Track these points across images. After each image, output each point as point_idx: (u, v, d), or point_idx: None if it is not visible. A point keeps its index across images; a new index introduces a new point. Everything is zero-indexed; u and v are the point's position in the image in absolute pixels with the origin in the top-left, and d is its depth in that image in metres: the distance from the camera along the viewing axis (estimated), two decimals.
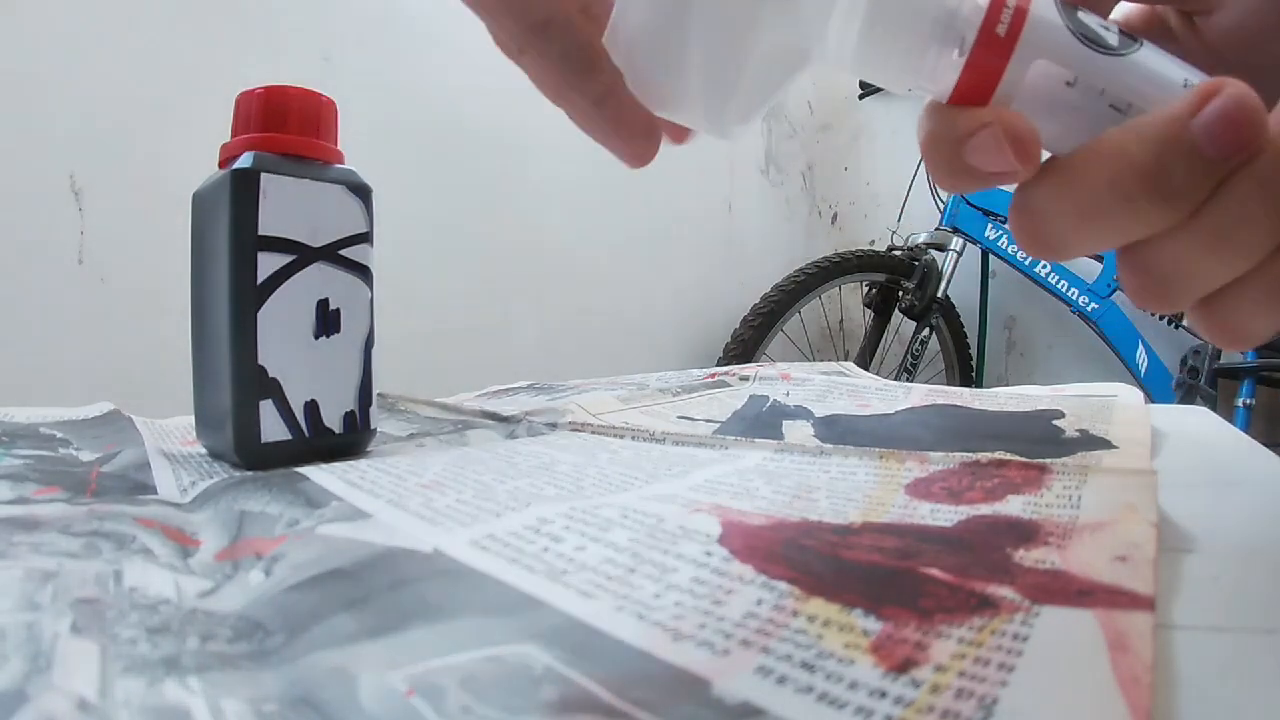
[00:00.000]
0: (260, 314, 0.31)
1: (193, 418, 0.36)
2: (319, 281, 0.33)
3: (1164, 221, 0.20)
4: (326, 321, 0.33)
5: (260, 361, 0.31)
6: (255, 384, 0.31)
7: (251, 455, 0.32)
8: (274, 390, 0.32)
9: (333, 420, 0.34)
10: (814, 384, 0.49)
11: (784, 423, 0.40)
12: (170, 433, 0.41)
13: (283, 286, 0.32)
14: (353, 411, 0.34)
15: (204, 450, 0.35)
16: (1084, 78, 0.20)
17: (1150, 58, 0.20)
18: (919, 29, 0.20)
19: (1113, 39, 0.20)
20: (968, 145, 0.21)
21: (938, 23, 0.20)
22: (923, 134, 0.22)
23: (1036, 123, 0.21)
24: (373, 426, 0.35)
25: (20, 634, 0.15)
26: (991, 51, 0.20)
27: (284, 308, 0.32)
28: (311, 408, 0.33)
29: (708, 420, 0.42)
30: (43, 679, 0.14)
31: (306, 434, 0.33)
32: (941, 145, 0.21)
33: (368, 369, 0.35)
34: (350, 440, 0.34)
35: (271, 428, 0.32)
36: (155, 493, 0.28)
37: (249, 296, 0.31)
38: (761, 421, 0.40)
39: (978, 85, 0.21)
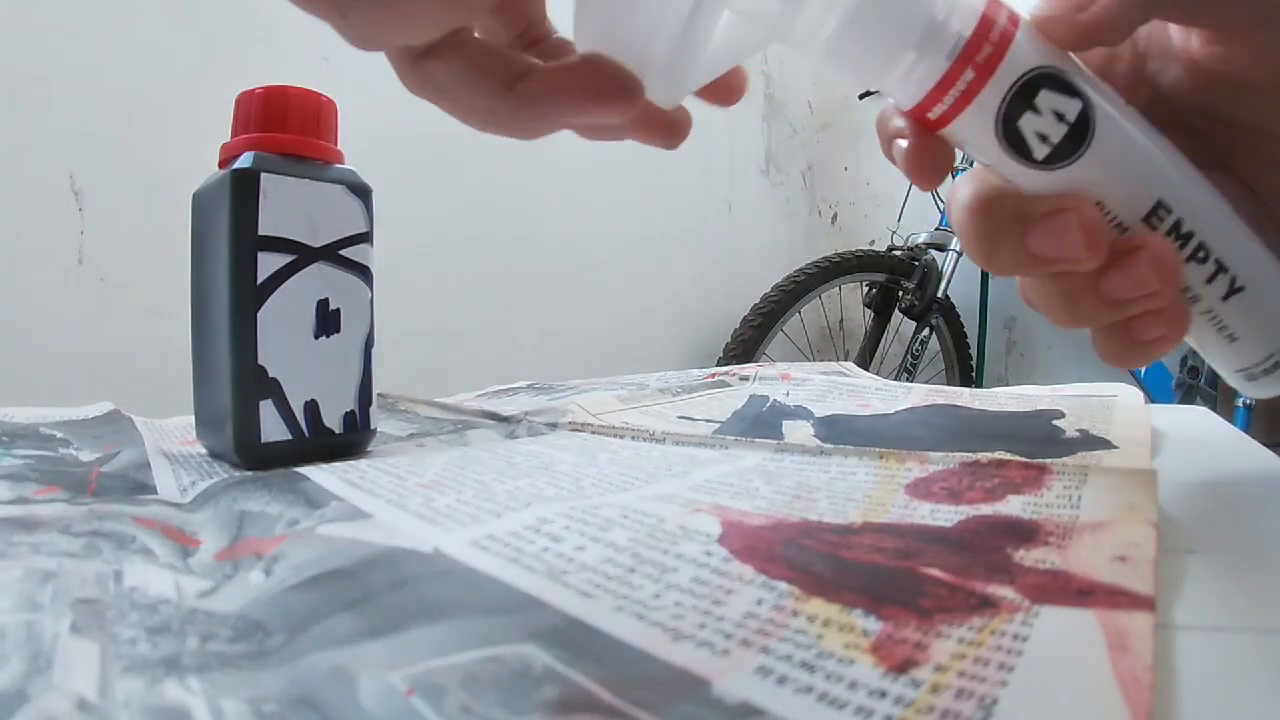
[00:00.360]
0: (260, 314, 0.31)
1: (192, 418, 0.36)
2: (319, 281, 0.33)
3: (997, 270, 0.23)
4: (326, 321, 0.33)
5: (260, 361, 0.31)
6: (255, 384, 0.31)
7: (251, 455, 0.32)
8: (274, 390, 0.32)
9: (333, 420, 0.34)
10: (814, 384, 0.49)
11: (784, 423, 0.40)
12: (170, 433, 0.41)
13: (283, 286, 0.32)
14: (353, 411, 0.34)
15: (204, 450, 0.35)
16: (997, 168, 0.22)
17: (1076, 174, 0.21)
18: (902, 35, 0.20)
19: (1040, 152, 0.21)
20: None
21: (911, 40, 0.20)
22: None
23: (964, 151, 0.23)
24: (373, 426, 0.35)
25: (20, 634, 0.15)
26: (967, 71, 0.21)
27: (284, 308, 0.32)
28: (311, 408, 0.33)
29: (708, 420, 0.42)
30: (43, 679, 0.14)
31: (306, 434, 0.33)
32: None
33: (368, 369, 0.35)
34: (350, 440, 0.34)
35: (271, 428, 0.32)
36: (155, 493, 0.28)
37: (249, 296, 0.31)
38: (761, 421, 0.40)
39: (932, 116, 0.22)
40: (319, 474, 0.29)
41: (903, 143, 0.23)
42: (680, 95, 0.21)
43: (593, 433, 0.39)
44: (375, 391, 0.36)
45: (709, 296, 1.81)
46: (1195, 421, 0.39)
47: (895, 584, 0.17)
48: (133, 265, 0.90)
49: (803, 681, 0.13)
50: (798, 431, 0.38)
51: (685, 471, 0.29)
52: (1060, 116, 0.21)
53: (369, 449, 0.36)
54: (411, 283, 1.15)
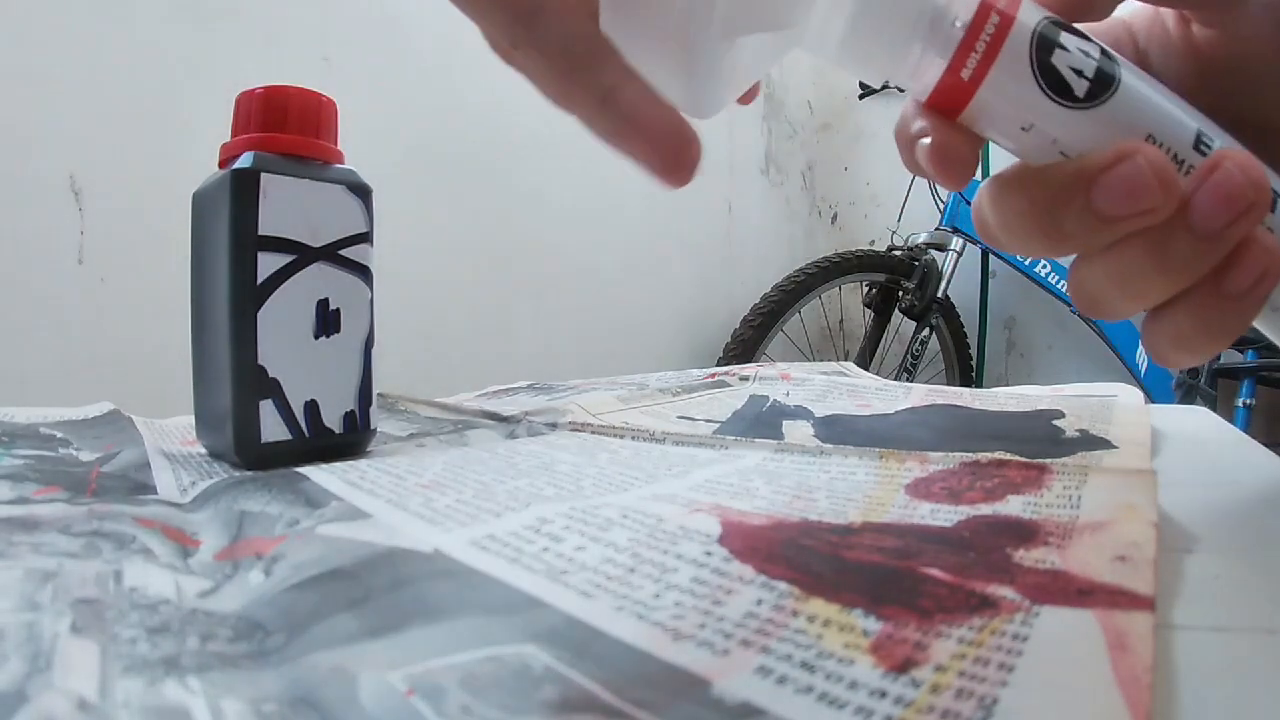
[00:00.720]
0: (260, 314, 0.31)
1: (192, 418, 0.36)
2: (319, 281, 0.33)
3: (1065, 251, 0.21)
4: (326, 321, 0.33)
5: (260, 361, 0.31)
6: (255, 384, 0.31)
7: (251, 455, 0.32)
8: (274, 390, 0.32)
9: (333, 420, 0.34)
10: (814, 384, 0.49)
11: (784, 423, 0.40)
12: (170, 432, 0.41)
13: (283, 286, 0.32)
14: (353, 411, 0.34)
15: (204, 450, 0.35)
16: (1040, 125, 0.21)
17: (1121, 107, 0.20)
18: (905, 24, 0.20)
19: (1080, 87, 0.20)
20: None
21: (923, 20, 0.20)
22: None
23: (1005, 145, 0.22)
24: (373, 426, 0.35)
25: (20, 634, 0.15)
26: (972, 57, 0.20)
27: (284, 307, 0.32)
28: (311, 408, 0.33)
29: (708, 420, 0.42)
30: (42, 679, 0.14)
31: (306, 434, 0.33)
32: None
33: (368, 369, 0.35)
34: (350, 440, 0.34)
35: (271, 428, 0.32)
36: (155, 493, 0.28)
37: (249, 296, 0.31)
38: (761, 421, 0.40)
39: (957, 88, 0.21)
40: (319, 474, 0.29)
41: (926, 141, 0.22)
42: (715, 110, 0.21)
43: (593, 433, 0.39)
44: (375, 391, 0.36)
45: (709, 296, 1.82)
46: (1195, 421, 0.39)
47: (895, 584, 0.17)
48: (132, 265, 0.90)
49: (803, 681, 0.13)
50: (797, 431, 0.38)
51: (685, 471, 0.29)
52: (1086, 52, 0.20)
53: (369, 449, 0.36)
54: (410, 283, 1.15)
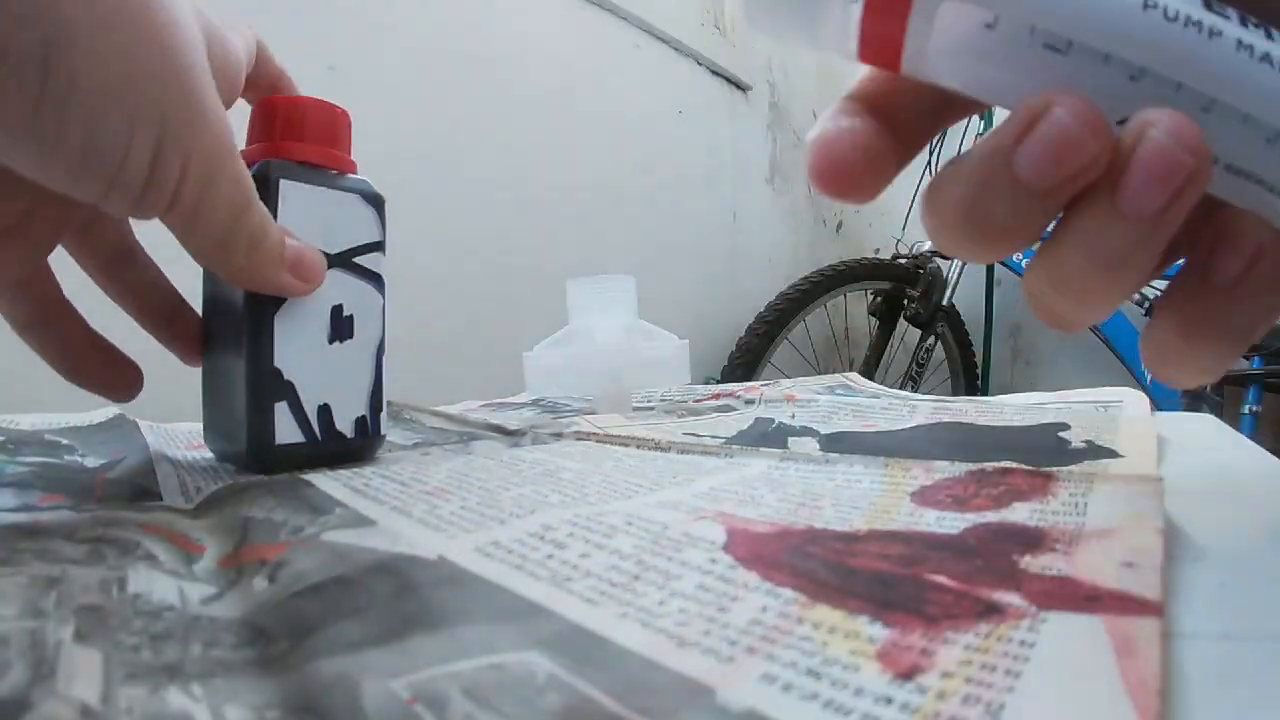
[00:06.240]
0: (277, 317, 0.31)
1: (198, 423, 0.36)
2: (334, 288, 0.33)
3: (1000, 245, 0.18)
4: (340, 327, 0.33)
5: (276, 364, 0.31)
6: (271, 386, 0.32)
7: (265, 458, 0.32)
8: (289, 393, 0.32)
9: (345, 424, 0.34)
10: (819, 405, 0.49)
11: (789, 439, 0.40)
12: (176, 437, 0.41)
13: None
14: (364, 416, 0.34)
15: (211, 455, 0.35)
16: (1005, 15, 0.16)
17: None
18: None
19: None
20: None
21: None
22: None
23: (964, 81, 0.18)
24: (383, 433, 0.35)
25: (24, 641, 0.15)
26: None
27: (299, 312, 0.32)
28: (324, 412, 0.33)
29: (713, 437, 0.42)
30: (45, 686, 0.14)
31: (319, 437, 0.33)
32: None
33: (379, 375, 0.35)
34: (360, 445, 0.35)
35: (286, 430, 0.32)
36: (160, 499, 0.28)
37: (268, 299, 0.31)
38: (767, 439, 0.40)
39: (885, 35, 0.18)
40: (324, 481, 0.29)
41: (851, 126, 0.19)
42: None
43: (598, 441, 0.38)
44: (385, 399, 0.36)
45: (714, 305, 1.81)
46: (1201, 429, 0.38)
47: (901, 590, 0.17)
48: None
49: (808, 688, 0.13)
50: (803, 446, 0.38)
51: (690, 479, 0.29)
52: None
53: (377, 455, 0.36)
54: (415, 293, 1.15)
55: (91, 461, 0.34)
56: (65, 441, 0.38)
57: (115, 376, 0.34)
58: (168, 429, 0.43)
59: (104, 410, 0.46)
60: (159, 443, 0.39)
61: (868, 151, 0.20)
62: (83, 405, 0.46)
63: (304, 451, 0.32)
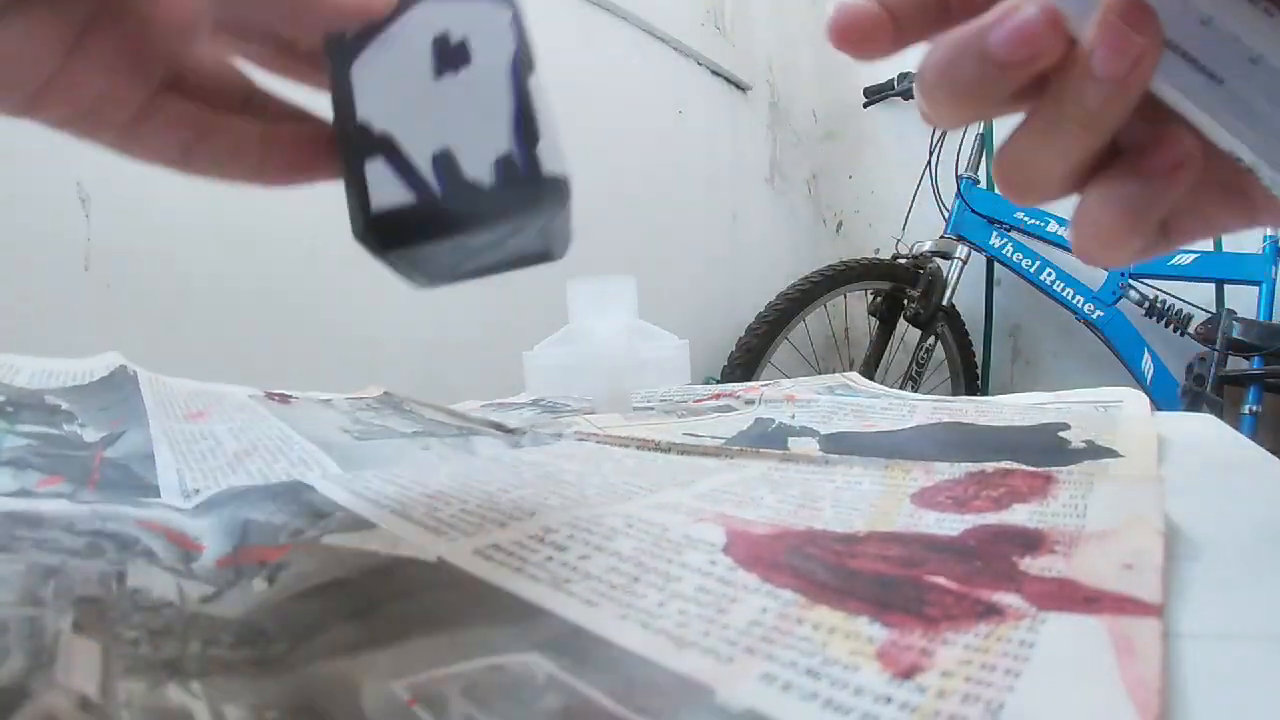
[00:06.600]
0: (357, 63, 0.26)
1: (197, 382, 0.33)
2: (431, 17, 0.27)
3: (968, 108, 0.22)
4: (449, 56, 0.26)
5: (361, 116, 0.25)
6: (357, 145, 0.25)
7: (368, 230, 0.24)
8: (384, 146, 0.25)
9: (479, 170, 0.25)
10: (819, 405, 0.49)
11: (789, 439, 0.40)
12: (175, 400, 0.40)
13: (380, 36, 0.26)
14: (508, 155, 0.24)
15: (210, 430, 0.33)
16: None
17: None
18: None
19: None
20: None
21: None
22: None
23: None
24: (554, 172, 0.25)
25: (23, 628, 0.15)
26: None
27: (385, 52, 0.26)
28: (444, 160, 0.25)
29: (713, 438, 0.42)
30: (44, 675, 0.14)
31: (439, 193, 0.24)
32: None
33: (522, 99, 0.25)
34: (515, 196, 0.24)
35: (386, 191, 0.24)
36: (158, 495, 0.28)
37: (342, 45, 0.26)
38: (767, 440, 0.40)
39: None
40: (324, 484, 0.29)
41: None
42: None
43: (597, 442, 0.38)
44: (540, 135, 0.25)
45: (713, 305, 1.81)
46: (1201, 429, 0.38)
47: (900, 591, 0.17)
48: (139, 272, 0.90)
49: (807, 688, 0.13)
50: (803, 446, 0.38)
51: (690, 480, 0.29)
52: None
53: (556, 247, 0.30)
54: (415, 293, 1.15)
55: (90, 435, 0.34)
56: (65, 406, 0.37)
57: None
58: (168, 388, 0.42)
59: (104, 360, 0.45)
60: (158, 407, 0.38)
61: (878, 19, 0.23)
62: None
63: (419, 214, 0.24)
